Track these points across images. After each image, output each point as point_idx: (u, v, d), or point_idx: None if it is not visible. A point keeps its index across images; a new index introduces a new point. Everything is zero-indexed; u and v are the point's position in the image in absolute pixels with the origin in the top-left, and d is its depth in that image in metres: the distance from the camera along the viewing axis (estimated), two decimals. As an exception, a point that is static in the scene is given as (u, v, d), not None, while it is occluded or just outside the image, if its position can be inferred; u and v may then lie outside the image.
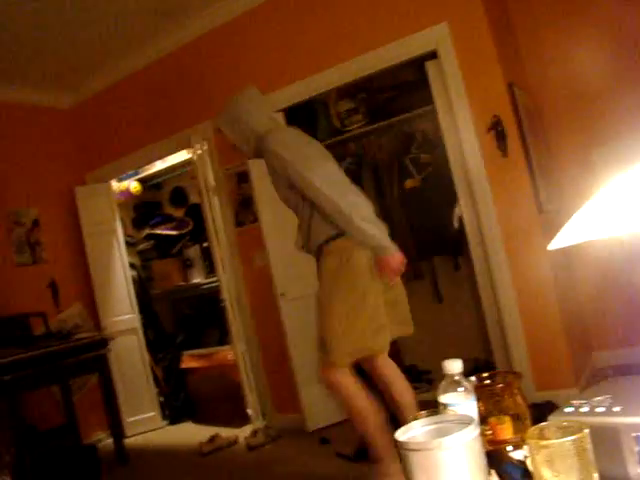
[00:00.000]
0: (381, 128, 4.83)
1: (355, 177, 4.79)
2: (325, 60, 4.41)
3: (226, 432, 4.88)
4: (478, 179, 3.90)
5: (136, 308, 5.87)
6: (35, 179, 5.69)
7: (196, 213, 6.27)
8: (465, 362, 4.22)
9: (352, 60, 4.29)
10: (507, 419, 1.43)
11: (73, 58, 5.27)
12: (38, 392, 5.05)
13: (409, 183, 4.63)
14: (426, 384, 4.78)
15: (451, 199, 4.27)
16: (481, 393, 1.47)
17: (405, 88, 4.75)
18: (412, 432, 1.19)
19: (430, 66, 4.06)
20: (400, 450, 1.11)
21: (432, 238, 4.65)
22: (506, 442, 1.40)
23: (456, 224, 4.39)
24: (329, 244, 2.88)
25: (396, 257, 2.85)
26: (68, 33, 4.82)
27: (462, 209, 4.06)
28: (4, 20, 4.36)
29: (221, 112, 3.17)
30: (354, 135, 4.93)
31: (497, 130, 3.83)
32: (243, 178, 4.77)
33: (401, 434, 1.15)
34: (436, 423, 1.20)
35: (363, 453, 3.72)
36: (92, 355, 4.77)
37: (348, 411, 3.02)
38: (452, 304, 4.92)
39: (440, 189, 4.46)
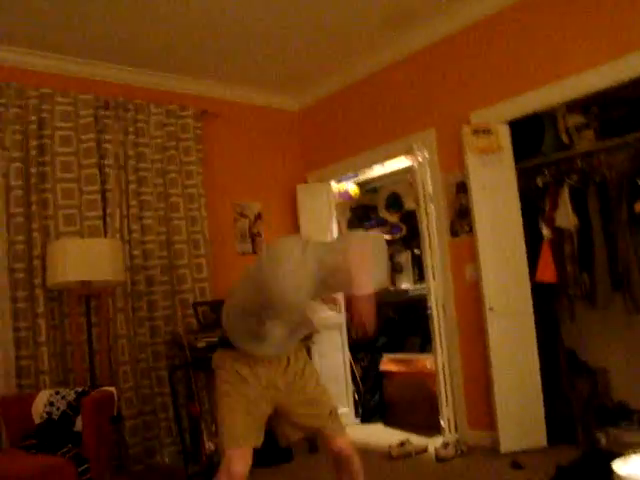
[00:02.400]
0: (613, 146, 4.54)
1: (580, 196, 4.58)
2: (558, 71, 4.23)
3: (416, 439, 4.87)
4: None
5: (342, 305, 6.02)
6: (261, 175, 6.08)
7: (410, 219, 6.32)
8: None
9: (586, 72, 4.08)
10: None
11: (304, 64, 5.57)
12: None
13: (639, 207, 4.31)
14: (637, 425, 4.42)
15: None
16: None
17: (644, 104, 4.44)
18: (630, 466, 1.11)
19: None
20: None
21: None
22: None
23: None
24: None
25: None
26: (300, 41, 5.09)
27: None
28: (247, 25, 4.70)
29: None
30: (582, 152, 4.69)
31: None
32: (462, 188, 4.72)
33: (619, 466, 1.08)
34: (657, 460, 1.12)
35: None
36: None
37: None
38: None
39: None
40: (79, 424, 3.69)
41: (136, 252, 5.01)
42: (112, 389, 4.01)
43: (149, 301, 5.06)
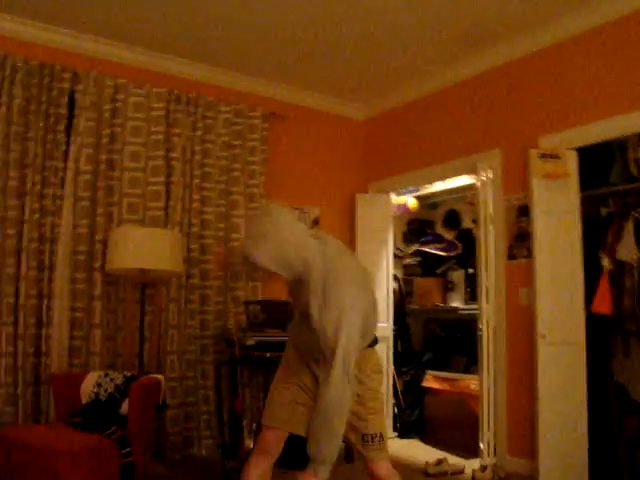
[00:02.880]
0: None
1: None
2: (632, 102, 4.14)
3: (453, 459, 4.83)
4: None
5: (392, 318, 6.03)
6: (323, 181, 6.14)
7: (466, 238, 6.28)
8: None
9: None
10: None
11: (375, 74, 5.62)
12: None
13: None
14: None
15: None
16: None
17: None
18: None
19: None
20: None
21: None
22: None
23: None
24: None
25: None
26: (374, 50, 5.13)
27: None
28: (326, 33, 4.76)
29: (254, 242, 2.37)
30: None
31: None
32: (523, 211, 4.68)
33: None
34: None
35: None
36: (344, 353, 4.98)
37: None
38: None
39: None
40: (125, 407, 3.77)
41: (194, 246, 5.10)
42: (160, 377, 4.09)
43: (202, 295, 5.15)
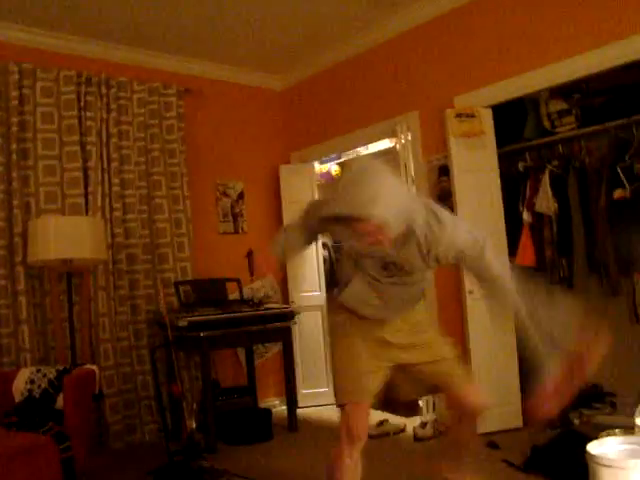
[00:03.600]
0: (594, 132, 4.59)
1: (560, 181, 4.63)
2: (541, 58, 4.25)
3: (394, 419, 4.94)
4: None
5: (324, 287, 6.07)
6: (244, 154, 6.08)
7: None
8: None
9: (570, 59, 4.10)
10: None
11: (288, 43, 5.56)
12: (225, 352, 5.41)
13: (618, 193, 4.36)
14: (609, 407, 4.52)
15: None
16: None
17: (624, 92, 4.48)
18: (604, 448, 1.15)
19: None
20: (591, 464, 1.08)
21: (635, 254, 4.36)
22: None
23: (666, 242, 4.09)
24: None
25: None
26: (285, 20, 5.07)
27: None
28: (234, 3, 4.68)
29: (371, 203, 2.19)
30: (564, 137, 4.74)
31: None
32: (444, 171, 4.75)
33: (594, 447, 1.12)
34: (631, 444, 1.16)
35: (533, 465, 3.62)
36: (279, 325, 5.04)
37: None
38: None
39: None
40: (60, 402, 3.70)
41: (118, 230, 5.00)
42: (94, 367, 4.02)
43: (130, 280, 5.07)
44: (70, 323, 4.51)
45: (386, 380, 2.72)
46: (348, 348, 2.71)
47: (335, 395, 2.75)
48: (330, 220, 2.40)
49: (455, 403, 2.77)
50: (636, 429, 1.28)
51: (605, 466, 1.03)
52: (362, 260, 2.60)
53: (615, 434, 1.21)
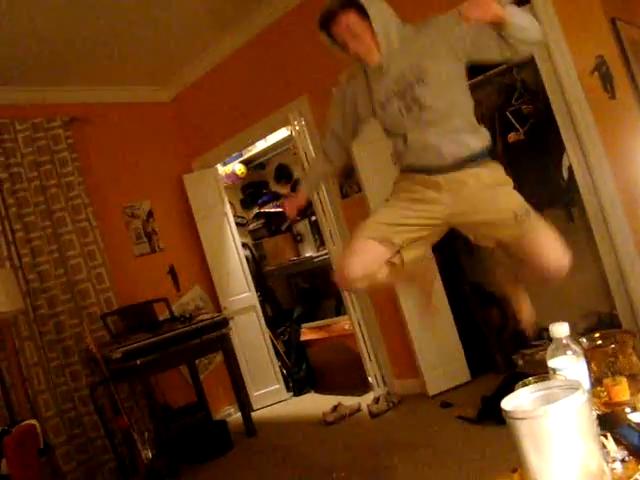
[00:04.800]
0: (478, 82, 4.67)
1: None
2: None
3: (348, 401, 4.97)
4: (585, 126, 3.72)
5: (252, 286, 6.04)
6: (146, 172, 5.94)
7: (301, 188, 6.35)
8: (587, 316, 4.08)
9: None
10: (623, 380, 1.38)
11: (164, 53, 5.44)
12: (168, 373, 5.33)
13: (512, 137, 4.47)
14: (548, 341, 4.65)
15: (558, 149, 4.10)
16: (593, 354, 1.43)
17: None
18: (519, 400, 1.17)
19: (523, 11, 3.88)
20: (507, 419, 1.10)
21: (542, 191, 4.48)
22: (622, 404, 1.35)
23: (565, 175, 4.22)
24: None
25: None
26: (156, 29, 4.95)
27: (570, 159, 3.89)
28: (100, 25, 4.55)
29: None
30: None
31: (601, 71, 3.63)
32: (345, 150, 4.76)
33: (507, 402, 1.14)
34: (544, 389, 1.18)
35: (485, 415, 3.71)
36: (215, 335, 4.97)
37: None
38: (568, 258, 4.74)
39: (546, 140, 4.29)
40: (4, 467, 3.56)
41: (31, 276, 4.83)
42: (33, 421, 3.89)
43: (55, 323, 4.90)
44: (1, 381, 4.35)
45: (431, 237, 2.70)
46: (383, 206, 2.73)
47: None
48: (353, 92, 2.68)
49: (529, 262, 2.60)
50: (549, 372, 1.31)
51: (518, 419, 1.05)
52: (389, 125, 2.63)
53: (530, 382, 1.24)
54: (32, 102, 5.29)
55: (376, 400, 4.67)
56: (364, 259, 2.59)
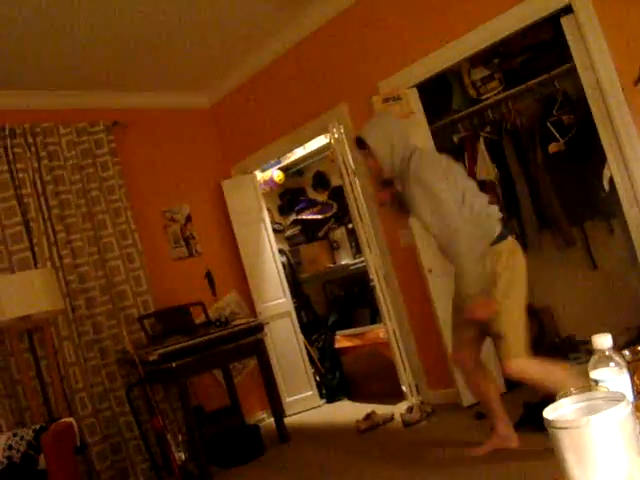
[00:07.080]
0: (519, 93, 4.65)
1: (496, 146, 4.69)
2: (453, 30, 4.28)
3: (381, 409, 4.96)
4: (628, 137, 3.67)
5: (288, 292, 6.07)
6: (185, 177, 6.01)
7: (339, 195, 6.36)
8: (628, 330, 4.03)
9: (482, 26, 4.13)
10: (666, 393, 1.36)
11: (207, 60, 5.51)
12: (203, 376, 5.37)
13: (553, 147, 4.44)
14: (585, 354, 4.59)
15: (599, 160, 4.05)
16: (636, 367, 1.41)
17: (541, 48, 4.54)
18: (561, 410, 1.16)
19: (566, 22, 3.84)
20: (548, 428, 1.09)
21: (582, 203, 4.44)
22: (666, 417, 1.33)
23: (606, 186, 4.17)
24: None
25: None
26: (197, 39, 5.03)
27: (612, 170, 3.84)
28: (142, 31, 4.63)
29: (370, 126, 3.47)
30: (491, 103, 4.79)
31: (645, 82, 3.59)
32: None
33: (550, 412, 1.13)
34: (587, 400, 1.17)
35: (526, 421, 3.66)
36: (250, 340, 5.00)
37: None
38: (608, 270, 4.68)
39: (586, 151, 4.25)
40: (43, 462, 3.63)
41: (71, 277, 4.92)
42: (70, 419, 3.94)
43: (94, 324, 4.99)
44: (40, 379, 4.44)
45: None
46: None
47: None
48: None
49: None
50: (592, 384, 1.30)
51: (560, 429, 1.04)
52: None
53: (571, 393, 1.22)
54: (75, 106, 5.40)
55: (409, 409, 4.64)
56: None
